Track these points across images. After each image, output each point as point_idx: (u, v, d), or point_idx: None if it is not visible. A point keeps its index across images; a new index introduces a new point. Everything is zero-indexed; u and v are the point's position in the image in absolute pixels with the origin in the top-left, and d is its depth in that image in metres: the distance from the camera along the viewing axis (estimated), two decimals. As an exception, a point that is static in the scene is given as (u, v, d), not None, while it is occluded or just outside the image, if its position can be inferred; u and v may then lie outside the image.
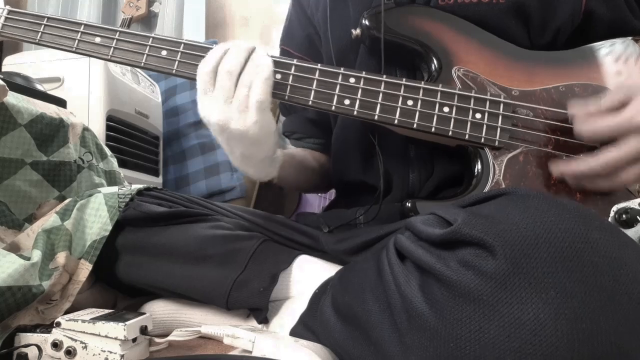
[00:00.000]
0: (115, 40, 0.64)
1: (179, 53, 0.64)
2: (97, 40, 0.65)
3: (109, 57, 0.64)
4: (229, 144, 0.61)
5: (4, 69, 1.41)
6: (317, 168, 0.86)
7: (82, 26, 0.65)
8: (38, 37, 0.66)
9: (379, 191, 0.66)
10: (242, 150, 0.61)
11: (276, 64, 0.62)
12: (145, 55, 0.64)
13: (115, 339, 0.50)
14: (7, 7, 0.68)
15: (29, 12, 0.67)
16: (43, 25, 0.66)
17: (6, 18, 0.67)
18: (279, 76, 0.62)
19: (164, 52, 0.64)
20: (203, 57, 0.63)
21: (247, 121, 0.57)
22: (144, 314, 0.55)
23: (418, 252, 0.42)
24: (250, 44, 0.60)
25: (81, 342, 0.51)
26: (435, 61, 0.62)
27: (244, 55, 0.58)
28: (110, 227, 0.63)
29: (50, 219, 0.64)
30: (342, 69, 0.62)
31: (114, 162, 0.93)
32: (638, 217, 0.52)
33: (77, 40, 0.65)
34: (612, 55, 0.60)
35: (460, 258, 0.38)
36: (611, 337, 0.32)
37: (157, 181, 1.58)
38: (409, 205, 0.59)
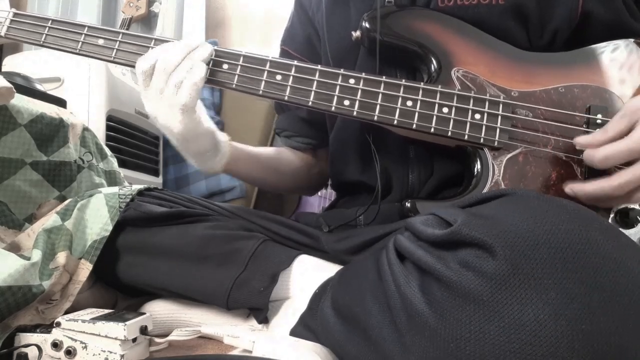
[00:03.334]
0: (118, 42, 0.64)
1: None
2: (100, 42, 0.65)
3: (112, 58, 0.65)
4: (164, 133, 0.65)
5: (4, 69, 1.41)
6: (297, 169, 0.86)
7: (86, 28, 0.66)
8: (42, 39, 0.67)
9: (376, 191, 0.67)
10: (175, 143, 0.65)
11: (276, 65, 0.63)
12: (146, 57, 0.64)
13: (115, 339, 0.51)
14: (13, 9, 0.68)
15: (34, 15, 0.68)
16: (47, 28, 0.67)
17: (11, 21, 0.68)
18: (279, 77, 0.62)
19: (164, 53, 0.64)
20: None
21: (172, 119, 0.61)
22: (144, 314, 0.55)
23: (418, 253, 0.42)
24: (195, 43, 0.61)
25: (81, 342, 0.51)
26: (434, 62, 0.63)
27: (182, 55, 0.60)
28: (110, 227, 0.64)
29: (50, 219, 0.64)
30: (341, 70, 0.62)
31: (114, 162, 0.93)
32: (638, 217, 0.52)
33: (80, 42, 0.66)
34: (616, 61, 0.60)
35: (460, 259, 0.38)
36: (611, 338, 0.32)
37: (157, 181, 1.58)
38: (409, 205, 0.59)
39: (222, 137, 0.72)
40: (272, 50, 0.87)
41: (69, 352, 0.51)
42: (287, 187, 0.89)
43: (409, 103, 0.60)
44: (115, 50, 0.65)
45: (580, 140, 0.55)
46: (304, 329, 0.55)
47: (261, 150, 0.83)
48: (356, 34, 0.66)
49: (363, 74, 0.61)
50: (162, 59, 0.59)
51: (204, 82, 0.60)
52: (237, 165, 0.75)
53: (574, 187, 0.55)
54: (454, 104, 0.59)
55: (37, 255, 0.59)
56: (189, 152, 0.67)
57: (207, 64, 0.62)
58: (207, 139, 0.66)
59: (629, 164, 0.51)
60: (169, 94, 0.59)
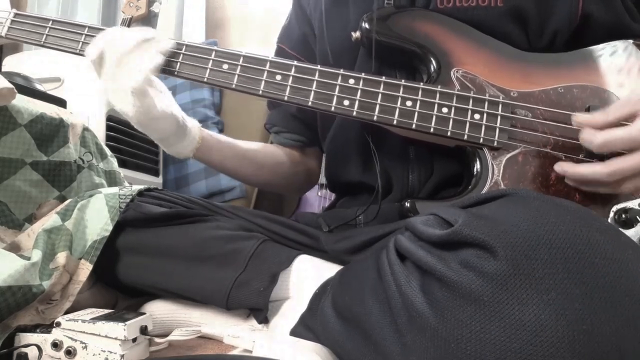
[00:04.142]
0: None
1: (181, 55, 0.64)
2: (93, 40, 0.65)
3: None
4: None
5: (4, 69, 1.41)
6: (279, 163, 0.86)
7: (86, 29, 0.66)
8: (43, 40, 0.67)
9: (376, 190, 0.67)
10: (137, 126, 0.66)
11: (276, 65, 0.63)
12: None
13: (116, 339, 0.51)
14: (14, 10, 0.69)
15: (34, 15, 0.68)
16: (48, 28, 0.67)
17: (12, 21, 0.68)
18: (278, 77, 0.62)
19: (164, 53, 0.64)
20: (204, 58, 0.64)
21: (126, 103, 0.62)
22: (144, 313, 0.55)
23: (419, 253, 0.42)
24: (151, 34, 0.63)
25: (81, 342, 0.51)
26: (434, 63, 0.63)
27: (133, 43, 0.61)
28: (110, 228, 0.64)
29: (50, 219, 0.64)
30: (341, 70, 0.62)
31: (114, 162, 0.93)
32: (638, 217, 0.52)
33: (81, 43, 0.66)
34: (614, 65, 0.60)
35: (461, 259, 0.38)
36: (611, 338, 0.32)
37: (157, 181, 1.58)
38: (408, 205, 0.59)
39: (191, 123, 0.72)
40: (272, 50, 0.87)
41: (69, 352, 0.51)
42: (265, 180, 0.88)
43: (409, 103, 0.60)
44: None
45: (579, 117, 0.55)
46: (304, 329, 0.55)
47: (239, 141, 0.83)
48: (356, 34, 0.66)
49: (363, 74, 0.61)
50: (112, 47, 0.61)
51: (157, 70, 0.62)
52: (210, 152, 0.76)
53: (566, 168, 0.55)
54: (454, 104, 0.60)
55: (37, 256, 0.59)
56: (151, 136, 0.69)
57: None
58: (165, 124, 0.67)
59: (624, 151, 0.51)
60: (120, 79, 0.61)
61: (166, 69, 0.65)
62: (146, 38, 0.62)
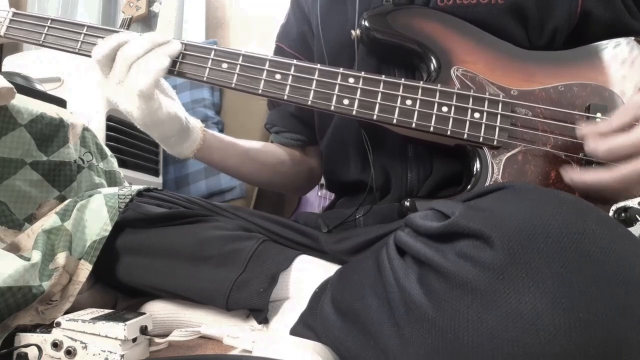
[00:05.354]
0: None
1: (180, 54, 0.64)
2: (100, 41, 0.65)
3: None
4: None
5: (4, 69, 1.41)
6: (281, 162, 0.86)
7: (85, 28, 0.66)
8: (42, 39, 0.67)
9: (369, 188, 0.67)
10: (141, 127, 0.66)
11: (276, 64, 0.63)
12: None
13: (116, 339, 0.51)
14: (12, 9, 0.68)
15: (33, 14, 0.68)
16: (47, 27, 0.67)
17: (11, 20, 0.68)
18: (278, 76, 0.62)
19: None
20: (204, 58, 0.64)
21: (131, 105, 0.62)
22: (144, 314, 0.55)
23: (417, 246, 0.42)
24: (162, 39, 0.63)
25: (81, 342, 0.51)
26: (434, 61, 0.62)
27: (144, 48, 0.61)
28: (110, 228, 0.63)
29: (50, 220, 0.64)
30: (341, 69, 0.62)
31: (114, 162, 0.93)
32: (637, 215, 0.52)
33: (80, 42, 0.66)
34: (617, 58, 0.60)
35: (458, 250, 0.38)
36: (608, 327, 0.32)
37: (157, 181, 1.58)
38: (408, 204, 0.59)
39: (194, 123, 0.73)
40: (271, 50, 0.87)
41: (69, 352, 0.51)
42: (267, 179, 0.88)
43: (409, 102, 0.60)
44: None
45: (583, 129, 0.55)
46: (304, 327, 0.55)
47: (240, 140, 0.83)
48: (356, 32, 0.66)
49: (362, 73, 0.61)
50: (123, 50, 0.61)
51: (164, 72, 0.62)
52: (211, 152, 0.76)
53: (572, 176, 0.55)
54: (454, 102, 0.59)
55: (37, 256, 0.59)
56: (153, 136, 0.69)
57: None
58: (169, 126, 0.67)
59: (629, 157, 0.51)
60: (128, 81, 0.61)
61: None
62: (158, 43, 0.62)
